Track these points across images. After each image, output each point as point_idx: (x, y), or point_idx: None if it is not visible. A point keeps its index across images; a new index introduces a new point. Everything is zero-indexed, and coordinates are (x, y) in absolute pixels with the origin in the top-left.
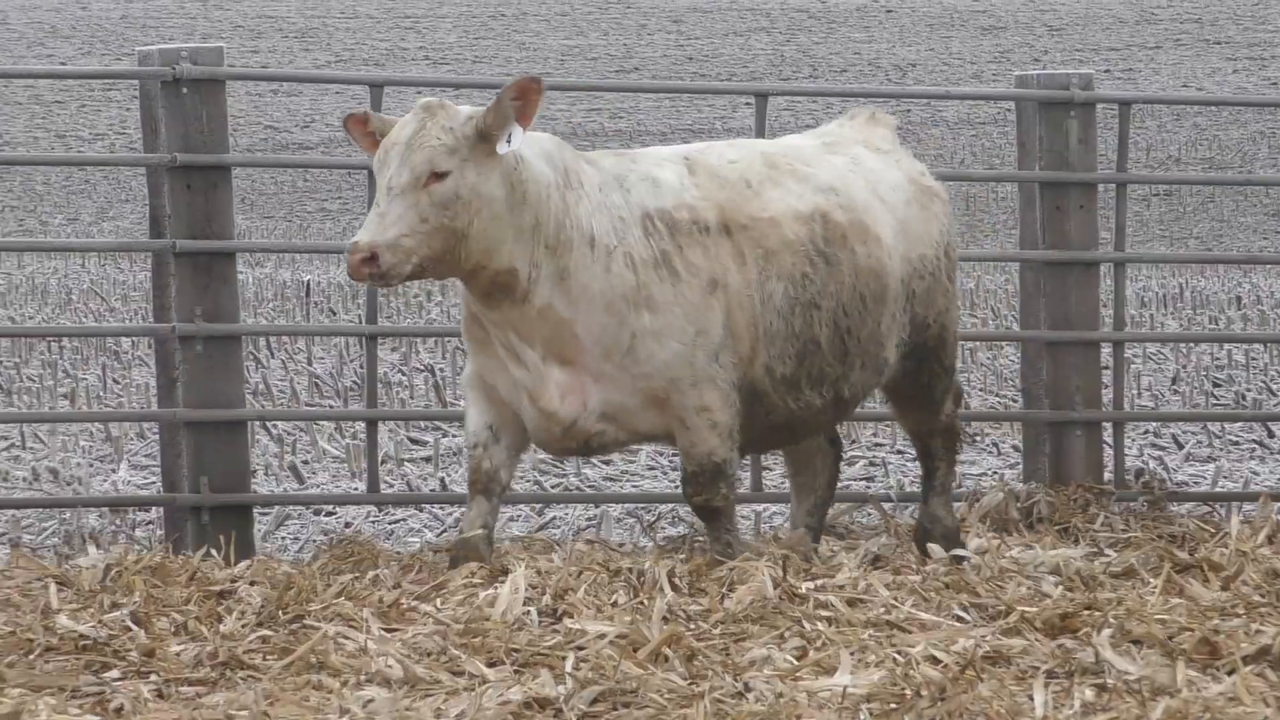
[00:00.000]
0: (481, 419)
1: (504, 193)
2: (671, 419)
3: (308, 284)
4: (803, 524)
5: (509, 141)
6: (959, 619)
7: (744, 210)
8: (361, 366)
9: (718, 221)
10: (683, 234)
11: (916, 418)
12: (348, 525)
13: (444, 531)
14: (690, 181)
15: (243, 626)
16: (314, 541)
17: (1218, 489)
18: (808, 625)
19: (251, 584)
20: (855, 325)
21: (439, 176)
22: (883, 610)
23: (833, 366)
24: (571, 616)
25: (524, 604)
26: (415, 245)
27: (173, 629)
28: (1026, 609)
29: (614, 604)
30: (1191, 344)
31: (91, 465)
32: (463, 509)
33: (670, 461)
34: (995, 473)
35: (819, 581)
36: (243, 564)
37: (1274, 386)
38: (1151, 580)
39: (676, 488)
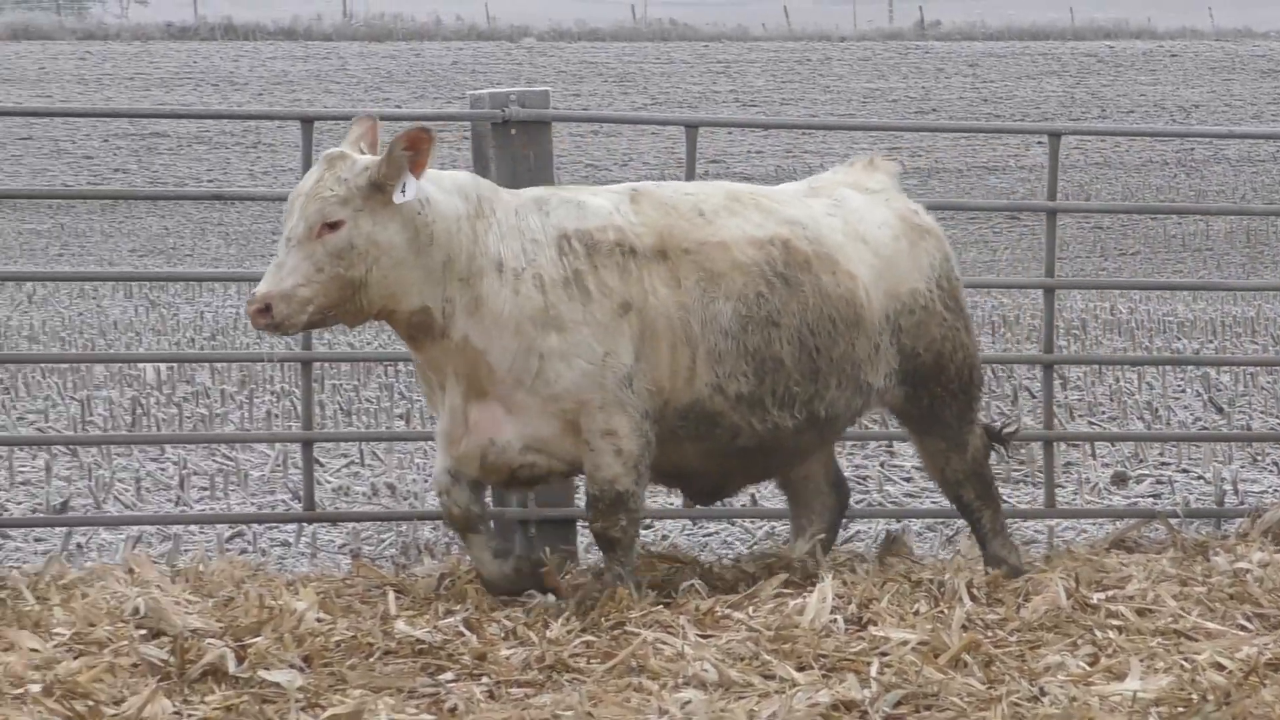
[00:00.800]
0: (440, 464)
1: (406, 238)
2: (581, 445)
3: None
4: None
5: (404, 192)
6: (1243, 628)
7: (690, 236)
8: None
9: (653, 246)
10: (601, 254)
11: (938, 452)
12: (664, 538)
13: (755, 544)
14: (629, 209)
15: (567, 632)
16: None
17: None
18: (1099, 633)
19: (575, 591)
20: (825, 344)
21: (332, 227)
22: (1170, 620)
23: (802, 385)
24: (876, 624)
25: (831, 612)
26: (312, 294)
27: (502, 634)
28: None
29: (916, 612)
30: None
31: (426, 481)
32: (771, 524)
33: None
34: (1277, 490)
35: (1110, 593)
36: (567, 574)
37: None
38: None
39: None
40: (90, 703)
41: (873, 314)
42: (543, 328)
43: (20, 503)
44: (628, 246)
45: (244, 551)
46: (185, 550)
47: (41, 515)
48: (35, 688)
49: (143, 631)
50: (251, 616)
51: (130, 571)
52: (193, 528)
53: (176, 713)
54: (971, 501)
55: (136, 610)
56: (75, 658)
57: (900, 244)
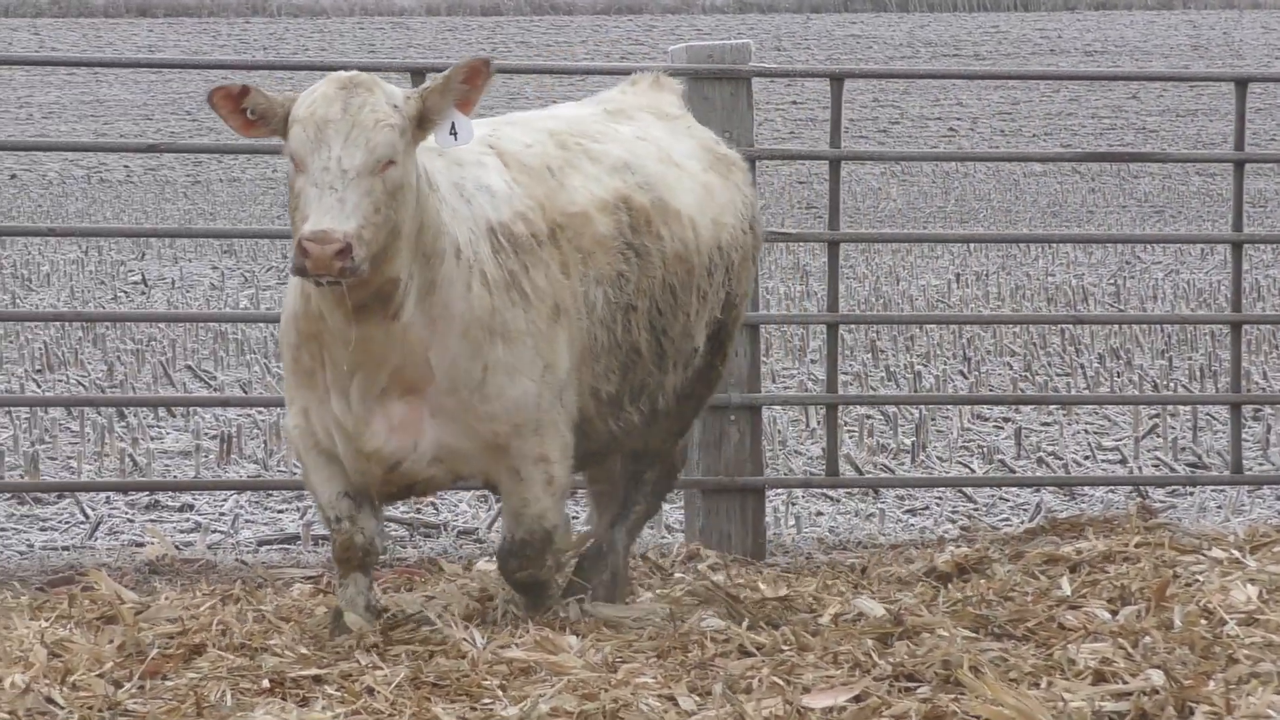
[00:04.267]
0: (334, 487)
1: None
2: (502, 469)
3: None
4: (604, 540)
5: (454, 133)
6: None
7: (556, 205)
8: None
9: (545, 224)
10: (525, 252)
11: (659, 430)
12: None
13: None
14: (511, 180)
15: None
16: None
17: None
18: None
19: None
20: (669, 323)
21: (392, 162)
22: None
23: (652, 375)
24: None
25: None
26: (370, 239)
27: None
28: None
29: None
30: None
31: None
32: None
33: None
34: None
35: None
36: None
37: None
38: None
39: None
40: None
41: (701, 250)
42: (491, 335)
43: None
44: (539, 235)
45: None
46: None
47: None
48: None
49: None
50: None
51: None
52: None
53: None
54: (646, 484)
55: None
56: None
57: (711, 177)
